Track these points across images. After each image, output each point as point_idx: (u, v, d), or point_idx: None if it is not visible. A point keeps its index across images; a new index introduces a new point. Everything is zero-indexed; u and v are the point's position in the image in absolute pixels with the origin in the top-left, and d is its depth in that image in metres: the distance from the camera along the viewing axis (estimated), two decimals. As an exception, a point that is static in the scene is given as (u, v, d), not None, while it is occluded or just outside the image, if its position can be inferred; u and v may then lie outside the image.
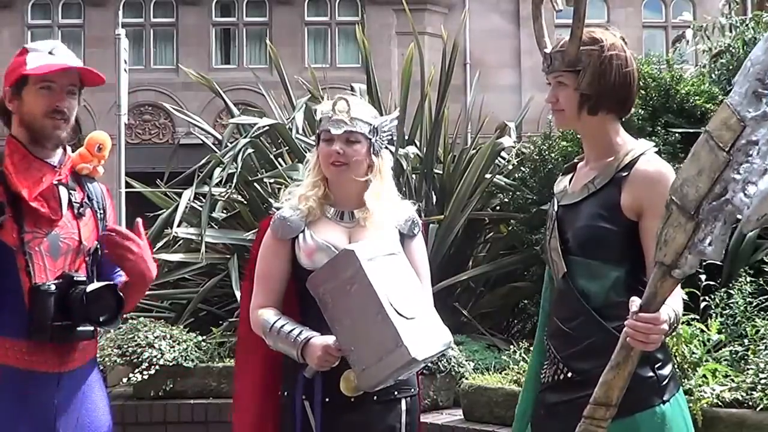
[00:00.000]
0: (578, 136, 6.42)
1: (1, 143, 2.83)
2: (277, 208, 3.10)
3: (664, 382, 2.47)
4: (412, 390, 2.99)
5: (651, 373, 2.45)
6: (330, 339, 2.77)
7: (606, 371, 2.26)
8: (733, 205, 2.06)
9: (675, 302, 2.36)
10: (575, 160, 2.77)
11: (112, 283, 2.81)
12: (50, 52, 2.79)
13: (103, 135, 2.96)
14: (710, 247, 2.09)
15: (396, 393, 2.92)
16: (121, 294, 2.81)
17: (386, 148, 3.08)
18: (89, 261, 2.88)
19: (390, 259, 2.81)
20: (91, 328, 2.81)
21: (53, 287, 2.71)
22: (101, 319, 2.77)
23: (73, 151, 2.93)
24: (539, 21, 2.68)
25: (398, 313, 2.68)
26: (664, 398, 2.46)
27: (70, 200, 2.83)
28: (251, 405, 3.09)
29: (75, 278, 2.76)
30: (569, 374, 2.54)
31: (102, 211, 2.93)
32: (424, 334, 2.72)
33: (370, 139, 2.97)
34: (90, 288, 2.73)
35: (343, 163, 2.94)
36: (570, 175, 2.71)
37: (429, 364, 5.05)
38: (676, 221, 2.14)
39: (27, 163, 2.76)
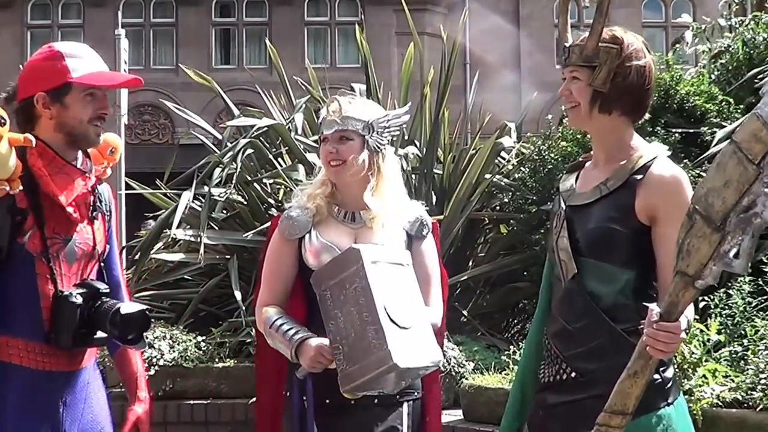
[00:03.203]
0: (578, 136, 6.48)
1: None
2: (282, 208, 3.11)
3: (669, 385, 2.47)
4: (416, 393, 2.97)
5: (657, 376, 2.43)
6: (326, 341, 2.76)
7: (623, 380, 2.25)
8: (763, 219, 2.03)
9: (688, 309, 2.35)
10: (581, 159, 2.76)
11: (145, 307, 2.84)
12: (91, 59, 2.81)
13: (115, 138, 2.98)
14: (737, 260, 2.07)
15: (398, 396, 2.90)
16: (150, 317, 2.85)
17: (390, 144, 3.08)
18: (101, 265, 2.90)
19: (395, 267, 2.79)
20: (106, 335, 2.83)
21: (80, 298, 2.72)
22: (129, 338, 2.80)
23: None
24: (565, 16, 2.68)
25: (391, 319, 2.65)
26: (669, 401, 2.46)
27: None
28: (267, 404, 3.11)
29: (100, 290, 2.79)
30: (573, 374, 2.53)
31: (109, 214, 2.95)
32: (413, 346, 2.69)
33: (364, 136, 2.97)
34: (125, 310, 2.74)
35: (339, 162, 2.94)
36: (575, 174, 2.70)
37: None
38: (701, 231, 2.11)
39: (56, 167, 2.76)
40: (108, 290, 2.81)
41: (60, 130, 2.77)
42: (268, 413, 3.12)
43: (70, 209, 2.74)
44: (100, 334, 2.79)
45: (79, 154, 2.85)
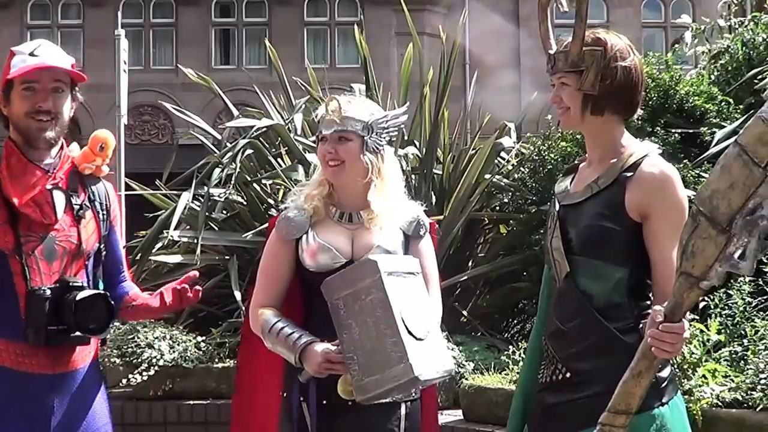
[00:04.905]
0: (578, 136, 6.48)
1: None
2: (282, 208, 3.10)
3: (663, 385, 2.47)
4: (413, 395, 2.96)
5: None
6: (331, 346, 2.75)
7: (626, 380, 2.26)
8: None
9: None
10: (576, 161, 2.77)
11: (103, 292, 2.80)
12: (32, 53, 2.79)
13: (105, 134, 2.95)
14: (743, 262, 2.08)
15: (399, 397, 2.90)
16: (113, 303, 2.82)
17: (389, 144, 3.07)
18: (90, 264, 2.88)
19: (409, 278, 2.80)
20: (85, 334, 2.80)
21: (48, 292, 2.71)
22: (90, 327, 2.76)
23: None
24: (545, 24, 2.68)
25: (408, 330, 2.66)
26: (663, 401, 2.46)
27: (70, 203, 2.82)
28: (253, 405, 3.09)
29: (71, 283, 2.76)
30: (568, 374, 2.54)
31: (105, 212, 2.92)
32: (430, 357, 2.70)
33: (363, 137, 2.95)
34: (80, 296, 2.72)
35: (338, 162, 2.94)
36: (571, 176, 2.71)
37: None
38: (705, 233, 2.11)
39: (22, 166, 2.76)
40: (80, 284, 2.78)
41: (15, 128, 2.80)
42: (249, 414, 3.10)
43: (26, 210, 2.72)
44: (78, 332, 2.77)
45: (53, 151, 2.83)
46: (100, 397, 2.90)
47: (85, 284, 2.82)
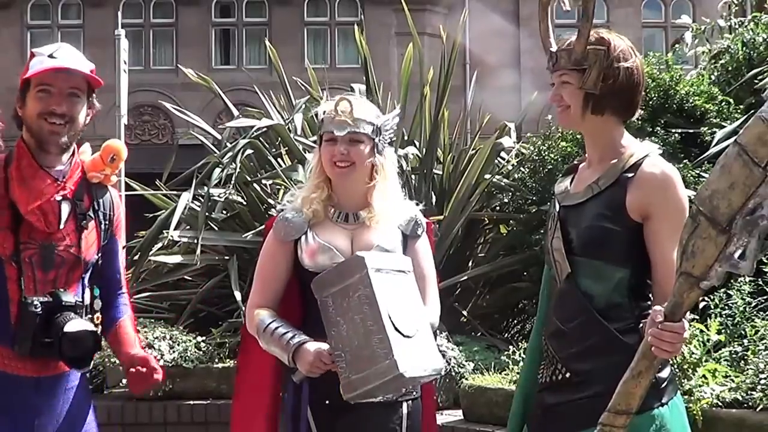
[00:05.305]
0: (578, 136, 6.49)
1: (10, 144, 2.82)
2: (281, 210, 3.09)
3: (663, 385, 2.47)
4: (414, 393, 2.96)
5: None
6: (324, 345, 2.74)
7: (626, 380, 2.26)
8: None
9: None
10: (576, 162, 2.77)
11: (93, 329, 2.75)
12: (51, 55, 2.76)
13: (119, 145, 2.92)
14: (743, 262, 2.08)
15: (397, 397, 2.90)
16: (102, 337, 2.78)
17: (390, 145, 3.07)
18: (87, 275, 2.84)
19: (399, 275, 2.78)
20: None
21: (40, 308, 2.68)
22: (72, 357, 2.71)
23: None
24: (545, 22, 2.68)
25: (395, 327, 2.64)
26: (663, 401, 2.46)
27: (74, 212, 2.79)
28: (253, 405, 3.09)
29: (63, 301, 2.72)
30: (568, 375, 2.54)
31: (107, 222, 2.88)
32: (417, 355, 2.68)
33: (374, 139, 2.95)
34: (69, 328, 2.67)
35: (348, 164, 2.93)
36: (571, 177, 2.71)
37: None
38: (705, 233, 2.11)
39: (32, 171, 2.73)
40: (73, 302, 2.75)
41: (28, 130, 2.77)
42: (249, 414, 3.10)
43: (30, 217, 2.69)
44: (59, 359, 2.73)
45: (64, 156, 2.80)
46: (85, 397, 2.87)
47: (78, 300, 2.78)
